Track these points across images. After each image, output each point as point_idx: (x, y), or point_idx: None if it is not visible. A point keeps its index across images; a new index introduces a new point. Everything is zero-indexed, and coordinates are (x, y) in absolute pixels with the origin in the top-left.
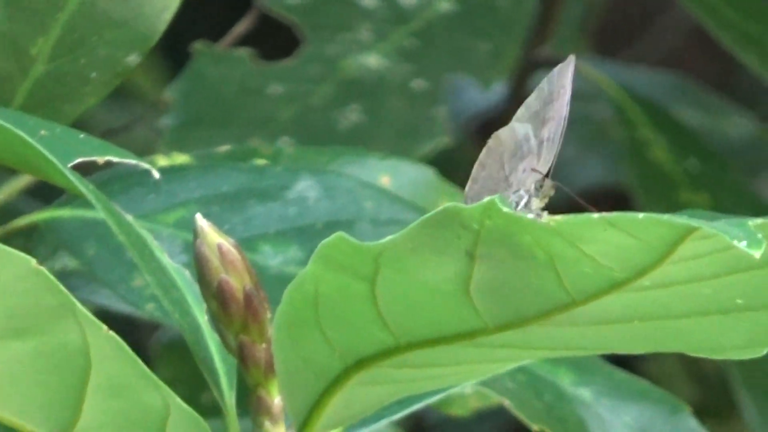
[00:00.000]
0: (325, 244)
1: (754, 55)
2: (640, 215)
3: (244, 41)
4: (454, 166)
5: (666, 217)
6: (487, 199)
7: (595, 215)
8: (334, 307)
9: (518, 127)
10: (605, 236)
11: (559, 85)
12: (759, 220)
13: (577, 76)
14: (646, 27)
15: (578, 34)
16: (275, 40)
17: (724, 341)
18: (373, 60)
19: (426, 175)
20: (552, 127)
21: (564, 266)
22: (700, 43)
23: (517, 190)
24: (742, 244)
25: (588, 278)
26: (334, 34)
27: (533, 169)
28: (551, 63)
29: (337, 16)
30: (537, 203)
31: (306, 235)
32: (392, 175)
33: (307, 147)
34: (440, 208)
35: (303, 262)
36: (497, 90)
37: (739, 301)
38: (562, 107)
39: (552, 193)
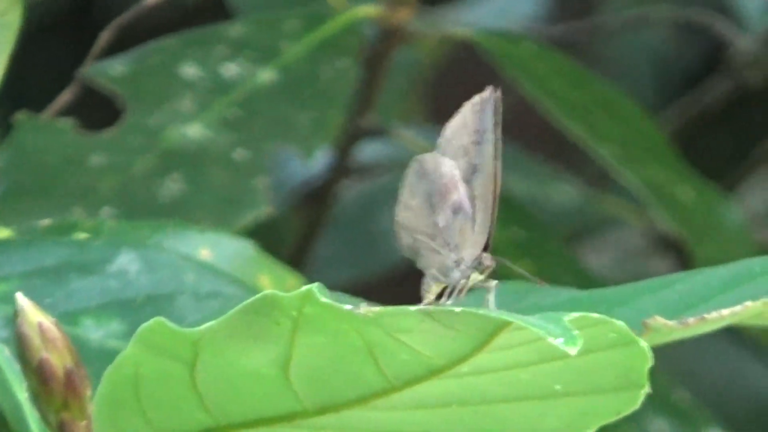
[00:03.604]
0: (145, 328)
1: (577, 123)
2: (457, 309)
3: (69, 111)
4: (279, 236)
5: (482, 311)
6: (305, 287)
7: (412, 308)
8: (154, 389)
9: (444, 162)
10: (422, 327)
11: (484, 126)
12: (574, 315)
13: (401, 144)
14: (477, 93)
15: (405, 101)
16: (100, 110)
17: (543, 426)
18: (194, 130)
19: (246, 248)
20: (482, 184)
21: (382, 353)
22: (529, 109)
23: (459, 263)
24: (559, 341)
25: (406, 365)
26: (156, 104)
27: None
28: (376, 131)
29: (158, 87)
30: (476, 276)
31: (127, 308)
32: (212, 248)
33: (128, 221)
34: (259, 295)
35: (124, 336)
36: (322, 159)
37: (556, 387)
38: (489, 159)
39: (493, 266)
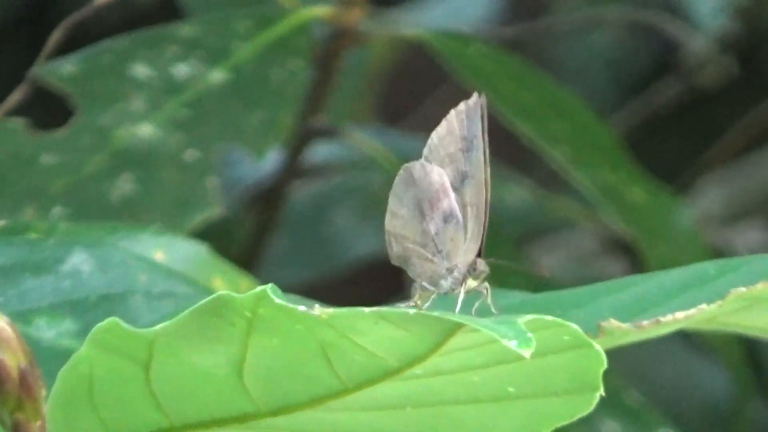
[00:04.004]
0: (100, 329)
1: (528, 125)
2: (411, 311)
3: (20, 111)
4: (230, 237)
5: (436, 313)
6: (260, 288)
7: (367, 310)
8: (108, 389)
9: (433, 170)
10: (377, 329)
11: (472, 133)
12: (528, 317)
13: (352, 144)
14: (429, 94)
15: (356, 102)
16: (51, 110)
17: (497, 428)
18: (145, 130)
19: (199, 251)
20: (473, 191)
21: (336, 355)
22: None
23: (452, 269)
24: (512, 344)
25: (360, 366)
26: (107, 104)
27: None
28: (327, 132)
29: (109, 87)
30: (471, 282)
31: (80, 308)
32: (166, 251)
33: (81, 222)
34: (214, 295)
35: (77, 335)
36: (272, 160)
37: (510, 389)
38: (480, 166)
39: (487, 271)
